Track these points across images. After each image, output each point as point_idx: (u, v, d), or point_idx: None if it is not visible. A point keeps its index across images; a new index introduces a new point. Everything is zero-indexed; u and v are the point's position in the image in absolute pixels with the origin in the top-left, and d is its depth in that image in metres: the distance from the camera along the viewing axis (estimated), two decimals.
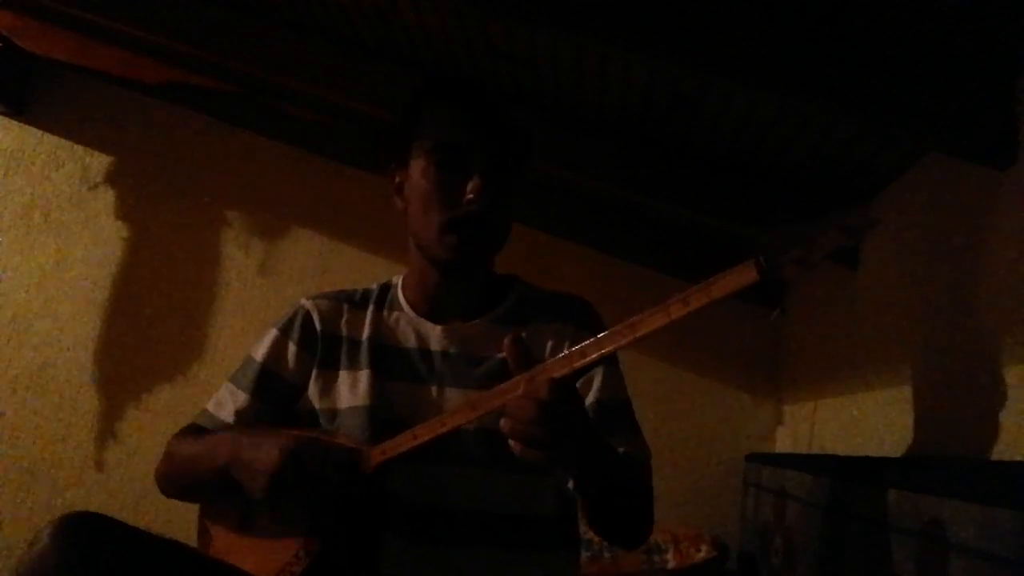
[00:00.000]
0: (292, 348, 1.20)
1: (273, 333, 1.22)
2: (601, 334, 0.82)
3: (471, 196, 1.07)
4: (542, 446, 0.82)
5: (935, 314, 1.37)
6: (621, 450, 1.08)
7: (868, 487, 1.17)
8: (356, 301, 1.24)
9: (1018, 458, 1.05)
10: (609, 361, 1.06)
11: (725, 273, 0.74)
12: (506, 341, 0.86)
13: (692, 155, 1.91)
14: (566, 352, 0.84)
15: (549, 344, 1.17)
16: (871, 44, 1.25)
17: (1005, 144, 1.15)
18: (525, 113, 1.94)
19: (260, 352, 1.21)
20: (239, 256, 2.65)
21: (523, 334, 0.88)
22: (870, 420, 1.61)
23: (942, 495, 0.93)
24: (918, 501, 0.99)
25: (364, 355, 1.17)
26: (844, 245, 0.70)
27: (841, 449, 1.75)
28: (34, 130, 2.77)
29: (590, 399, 1.13)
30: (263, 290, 2.62)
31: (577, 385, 0.91)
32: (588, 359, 0.82)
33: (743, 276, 0.72)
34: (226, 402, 1.20)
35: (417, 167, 1.13)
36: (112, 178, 2.73)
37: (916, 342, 1.44)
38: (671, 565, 2.04)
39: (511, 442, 0.83)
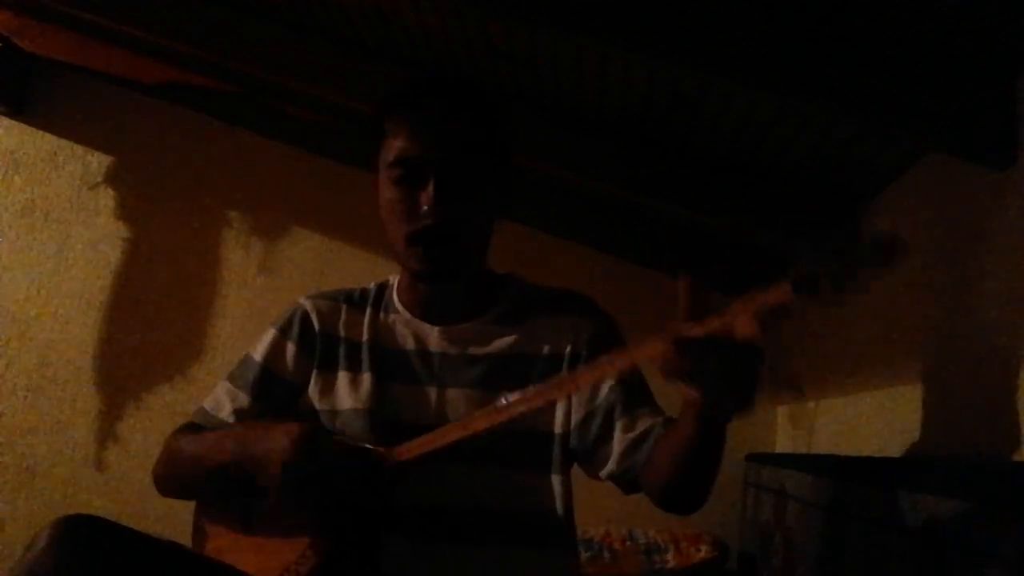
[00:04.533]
0: (291, 348, 1.20)
1: (272, 333, 1.22)
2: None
3: (425, 208, 1.06)
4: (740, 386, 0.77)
5: (935, 314, 1.36)
6: (661, 418, 1.09)
7: (868, 487, 1.17)
8: (355, 301, 1.23)
9: (1018, 458, 1.05)
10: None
11: (759, 291, 0.73)
12: (681, 283, 0.80)
13: (692, 155, 1.91)
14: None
15: (549, 340, 1.16)
16: (871, 44, 1.25)
17: (1005, 144, 1.15)
18: (525, 113, 1.94)
19: (259, 352, 1.21)
20: (239, 256, 2.65)
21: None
22: (870, 420, 1.61)
23: (942, 495, 0.93)
24: (918, 501, 0.99)
25: (365, 358, 1.17)
26: (879, 269, 0.68)
27: (841, 449, 1.75)
28: (34, 130, 2.77)
29: (610, 380, 1.12)
30: (263, 290, 2.62)
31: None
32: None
33: (778, 294, 0.72)
34: (224, 402, 1.20)
35: (382, 180, 1.13)
36: (112, 178, 2.73)
37: (916, 342, 1.43)
38: (671, 565, 2.04)
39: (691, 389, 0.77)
